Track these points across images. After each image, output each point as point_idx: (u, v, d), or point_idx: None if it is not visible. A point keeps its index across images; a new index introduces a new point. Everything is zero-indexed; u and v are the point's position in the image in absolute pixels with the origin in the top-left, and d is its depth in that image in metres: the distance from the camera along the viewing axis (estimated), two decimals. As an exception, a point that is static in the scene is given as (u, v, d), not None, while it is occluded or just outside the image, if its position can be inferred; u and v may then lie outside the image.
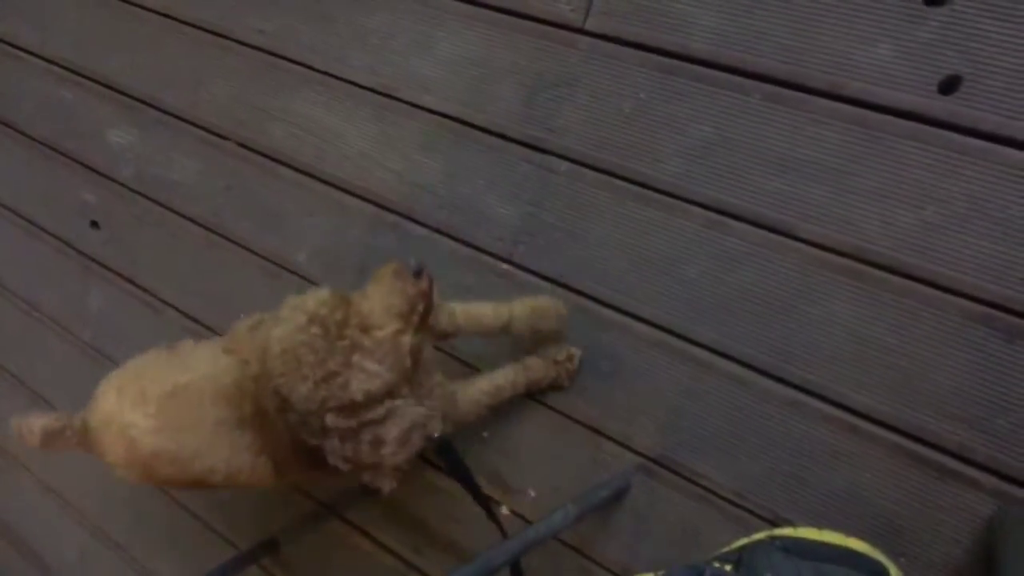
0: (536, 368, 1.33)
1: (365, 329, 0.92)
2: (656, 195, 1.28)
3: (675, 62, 1.26)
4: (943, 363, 1.09)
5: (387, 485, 0.98)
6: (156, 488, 1.88)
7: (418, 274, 0.96)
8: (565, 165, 1.36)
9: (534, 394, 1.38)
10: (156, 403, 1.07)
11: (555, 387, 1.36)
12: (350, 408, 0.90)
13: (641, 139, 1.29)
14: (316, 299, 0.92)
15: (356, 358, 0.90)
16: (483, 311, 1.30)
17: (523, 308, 1.31)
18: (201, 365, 1.11)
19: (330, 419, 0.91)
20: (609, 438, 1.33)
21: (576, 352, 1.33)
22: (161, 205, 1.87)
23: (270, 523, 1.72)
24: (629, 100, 1.30)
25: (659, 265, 1.28)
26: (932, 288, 1.10)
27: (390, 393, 0.93)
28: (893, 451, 1.13)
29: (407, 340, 0.94)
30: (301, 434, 0.95)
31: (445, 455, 1.11)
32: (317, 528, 1.65)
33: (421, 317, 0.97)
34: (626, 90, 1.30)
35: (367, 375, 0.90)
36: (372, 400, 0.91)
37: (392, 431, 0.93)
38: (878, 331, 1.13)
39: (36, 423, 1.15)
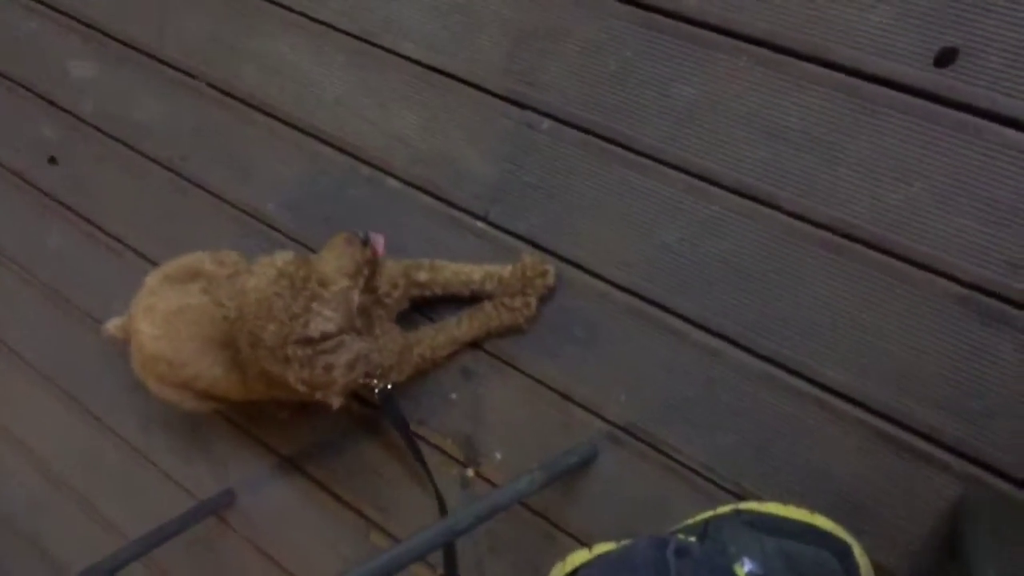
0: (490, 315, 1.34)
1: (323, 284, 1.11)
2: (637, 158, 1.24)
3: (664, 19, 1.21)
4: (918, 343, 1.08)
5: (336, 402, 1.16)
6: (114, 435, 1.84)
7: (365, 242, 1.16)
8: (547, 122, 1.31)
9: (491, 337, 1.38)
10: (163, 317, 1.34)
11: (513, 331, 1.35)
12: (308, 342, 1.10)
13: (626, 99, 1.25)
14: (283, 259, 1.12)
15: (315, 305, 1.09)
16: (471, 271, 1.34)
17: (513, 271, 1.32)
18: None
19: (290, 350, 1.09)
20: (579, 405, 1.31)
21: (532, 300, 1.31)
22: (124, 144, 1.80)
23: (229, 473, 1.70)
24: (614, 58, 1.25)
25: (638, 230, 1.25)
26: (912, 266, 1.08)
27: (340, 331, 1.13)
28: (862, 429, 1.12)
29: (355, 294, 1.14)
30: (267, 365, 1.13)
31: (386, 405, 1.27)
32: (278, 481, 1.63)
33: (367, 277, 1.17)
34: (612, 47, 1.25)
35: (323, 318, 1.10)
36: (325, 337, 1.11)
37: (341, 358, 1.13)
38: (853, 307, 1.11)
39: (111, 323, 1.46)
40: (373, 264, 1.18)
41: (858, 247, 1.11)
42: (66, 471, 1.94)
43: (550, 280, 1.30)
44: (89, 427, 1.88)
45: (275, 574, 1.64)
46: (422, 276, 1.34)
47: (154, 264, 1.75)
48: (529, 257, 1.32)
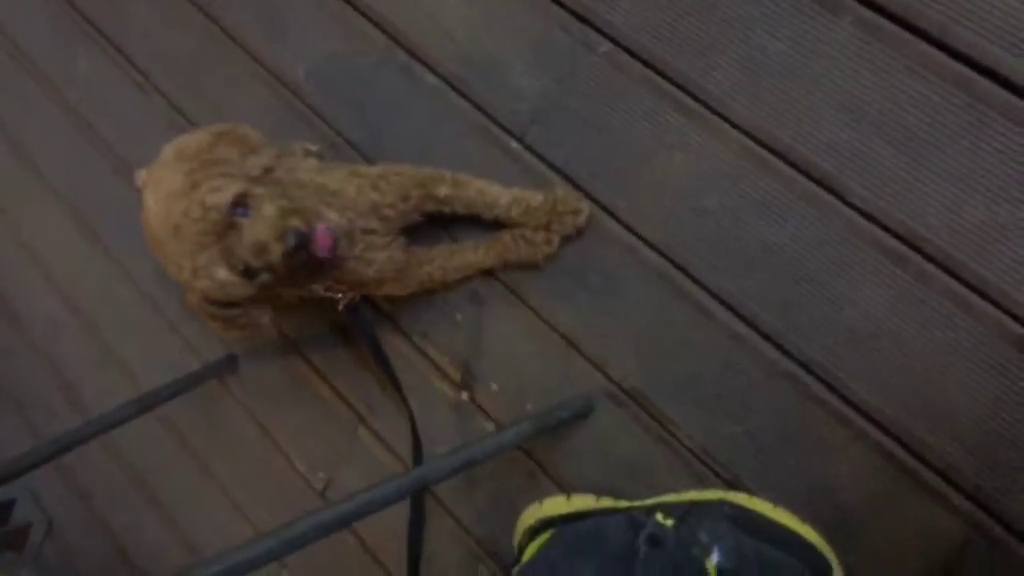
0: (508, 246, 1.25)
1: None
2: (699, 107, 1.10)
3: (765, -49, 1.02)
4: (962, 379, 0.98)
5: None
6: (128, 278, 1.83)
7: (299, 245, 0.96)
8: (606, 46, 1.16)
9: (506, 269, 1.29)
10: (164, 195, 1.05)
11: (530, 266, 1.26)
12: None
13: (701, 36, 1.08)
14: (216, 198, 0.95)
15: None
16: (498, 194, 1.23)
17: (543, 202, 1.20)
18: None
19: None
20: (584, 356, 1.24)
21: (555, 238, 1.21)
22: (161, -25, 1.67)
23: (236, 344, 1.69)
24: (698, -15, 1.07)
25: (683, 189, 1.13)
26: (978, 296, 0.96)
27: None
28: (878, 452, 1.04)
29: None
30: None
31: (352, 317, 1.23)
32: (278, 358, 1.62)
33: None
34: (698, -28, 1.07)
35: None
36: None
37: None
38: (903, 326, 1.00)
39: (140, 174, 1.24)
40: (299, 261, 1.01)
41: (925, 263, 0.98)
42: (82, 301, 1.95)
43: (581, 220, 1.20)
44: (106, 264, 1.87)
45: (266, 444, 1.66)
46: (442, 191, 1.22)
47: (179, 111, 1.68)
48: (563, 191, 1.20)
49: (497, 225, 1.26)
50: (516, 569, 1.07)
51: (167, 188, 1.06)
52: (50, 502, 2.15)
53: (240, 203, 0.95)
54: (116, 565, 1.96)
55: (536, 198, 1.20)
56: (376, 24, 1.38)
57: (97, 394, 1.96)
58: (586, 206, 1.19)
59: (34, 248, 2.05)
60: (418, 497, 1.27)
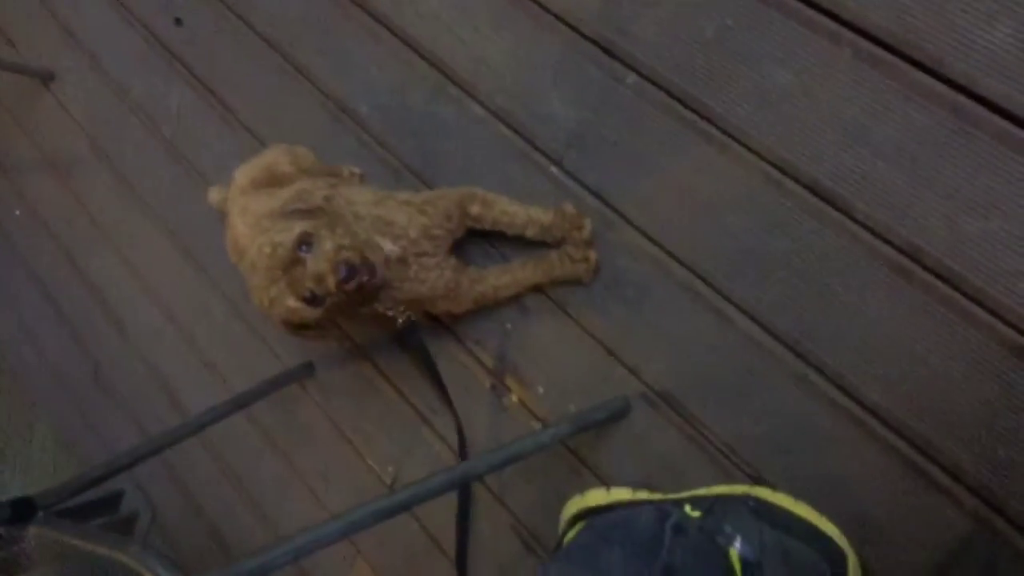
0: (554, 264, 1.36)
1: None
2: (718, 133, 1.20)
3: (772, -9, 1.11)
4: (963, 383, 1.05)
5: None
6: (220, 293, 2.03)
7: (349, 276, 1.12)
8: (633, 78, 1.27)
9: (554, 286, 1.41)
10: (254, 218, 1.31)
11: (575, 282, 1.38)
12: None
13: (717, 69, 1.18)
14: (282, 240, 1.13)
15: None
16: (515, 212, 1.35)
17: (552, 220, 1.32)
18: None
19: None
20: (621, 362, 1.35)
21: (593, 255, 1.33)
22: (241, 19, 1.86)
23: (312, 353, 1.87)
24: (714, 23, 1.17)
25: (705, 208, 1.22)
26: (976, 305, 1.03)
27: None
28: (889, 451, 1.11)
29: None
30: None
31: (408, 335, 1.35)
32: (350, 364, 1.78)
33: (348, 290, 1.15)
34: (714, 11, 1.17)
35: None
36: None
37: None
38: (908, 334, 1.08)
39: (213, 193, 1.65)
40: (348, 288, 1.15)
41: (925, 274, 1.05)
42: (180, 312, 2.17)
43: (586, 234, 1.31)
44: (200, 280, 2.07)
45: (339, 441, 1.82)
46: (474, 209, 1.34)
47: (260, 141, 1.86)
48: (570, 208, 1.32)
49: (547, 244, 1.38)
50: (555, 553, 1.19)
51: (253, 215, 1.23)
52: (153, 493, 2.38)
53: (304, 241, 1.11)
54: (212, 548, 2.17)
55: (547, 216, 1.32)
56: (425, 58, 1.53)
57: (193, 395, 2.17)
58: (588, 221, 1.31)
59: (136, 266, 2.28)
60: (465, 489, 1.39)
